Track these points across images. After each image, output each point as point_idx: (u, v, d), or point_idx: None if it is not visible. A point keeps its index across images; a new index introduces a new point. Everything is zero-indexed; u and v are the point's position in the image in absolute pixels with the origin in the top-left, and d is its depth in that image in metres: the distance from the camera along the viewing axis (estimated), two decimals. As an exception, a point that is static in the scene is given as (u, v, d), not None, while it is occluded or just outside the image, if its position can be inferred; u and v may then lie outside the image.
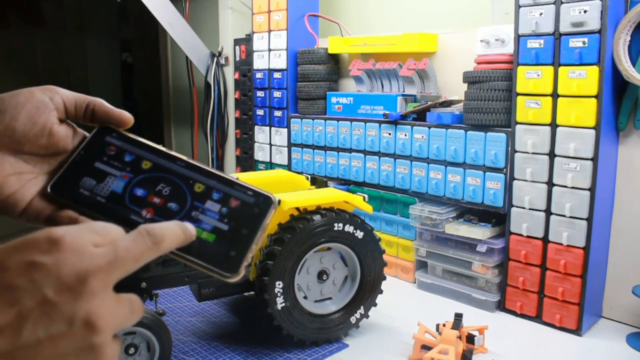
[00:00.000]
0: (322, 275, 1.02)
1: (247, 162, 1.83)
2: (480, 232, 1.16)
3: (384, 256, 1.05)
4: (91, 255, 0.35)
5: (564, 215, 1.05)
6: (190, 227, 0.42)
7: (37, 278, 0.33)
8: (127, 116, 0.49)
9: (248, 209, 0.43)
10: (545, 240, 1.08)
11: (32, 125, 0.45)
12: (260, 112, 1.72)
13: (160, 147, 0.47)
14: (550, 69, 1.04)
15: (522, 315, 1.13)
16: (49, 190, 0.44)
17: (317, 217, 0.97)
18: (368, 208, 1.06)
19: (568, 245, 1.05)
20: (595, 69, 0.98)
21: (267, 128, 1.70)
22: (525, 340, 1.05)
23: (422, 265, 1.32)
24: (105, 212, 0.43)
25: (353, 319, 1.04)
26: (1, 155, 0.44)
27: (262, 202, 0.43)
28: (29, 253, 0.34)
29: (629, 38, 0.99)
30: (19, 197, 0.45)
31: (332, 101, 1.49)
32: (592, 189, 1.01)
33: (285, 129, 1.63)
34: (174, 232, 0.40)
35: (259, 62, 1.69)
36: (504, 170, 1.14)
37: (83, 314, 0.33)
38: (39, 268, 0.33)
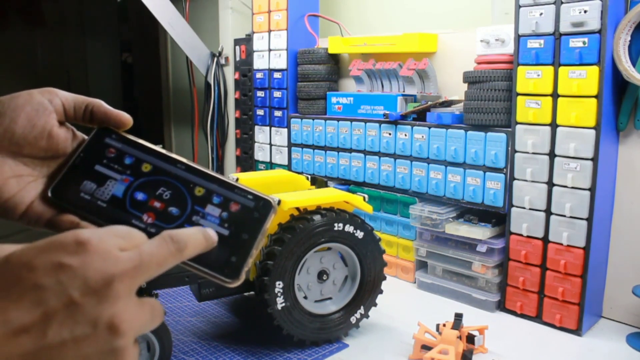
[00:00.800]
0: (322, 275, 1.02)
1: (247, 162, 1.83)
2: (480, 232, 1.16)
3: (384, 256, 1.05)
4: (117, 259, 0.35)
5: (564, 215, 1.05)
6: (212, 234, 0.42)
7: (63, 279, 0.33)
8: (126, 117, 0.49)
9: (248, 213, 0.43)
10: (545, 240, 1.08)
11: (32, 128, 0.45)
12: (260, 112, 1.72)
13: (159, 148, 0.46)
14: (551, 69, 1.04)
15: (522, 315, 1.13)
16: (49, 194, 0.44)
17: (317, 217, 0.97)
18: (368, 208, 1.06)
19: (568, 245, 1.05)
20: (595, 69, 0.98)
21: (267, 128, 1.70)
22: (525, 340, 1.05)
23: (422, 265, 1.32)
24: (107, 217, 0.43)
25: (353, 319, 1.04)
26: (0, 158, 0.44)
27: (262, 207, 0.43)
28: (56, 254, 0.34)
29: (629, 38, 0.99)
30: (19, 200, 0.45)
31: (332, 101, 1.49)
32: (592, 189, 1.01)
33: (285, 129, 1.63)
34: (197, 239, 0.41)
35: (259, 62, 1.69)
36: (504, 170, 1.14)
37: (107, 317, 0.34)
38: (66, 269, 0.34)
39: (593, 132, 1.00)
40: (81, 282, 0.33)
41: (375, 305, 1.06)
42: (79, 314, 0.33)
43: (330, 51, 1.53)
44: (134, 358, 0.36)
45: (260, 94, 1.71)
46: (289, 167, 1.63)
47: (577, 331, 1.06)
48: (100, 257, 0.35)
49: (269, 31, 1.63)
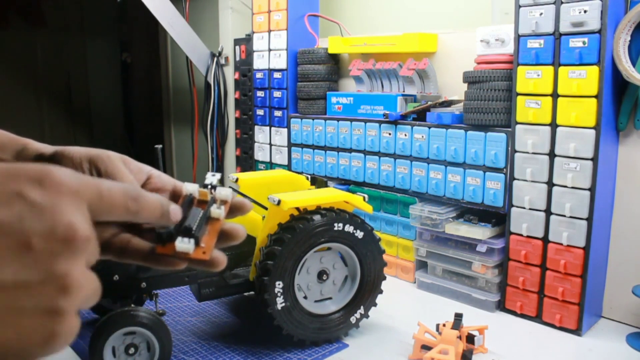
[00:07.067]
0: (322, 275, 1.02)
1: (247, 162, 1.83)
2: (480, 232, 1.16)
3: (384, 256, 1.05)
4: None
5: (564, 215, 1.05)
6: (172, 208, 0.41)
7: (25, 216, 0.29)
8: None
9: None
10: (545, 240, 1.08)
11: None
12: (260, 112, 1.72)
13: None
14: (550, 69, 1.04)
15: (522, 315, 1.13)
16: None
17: (317, 217, 0.97)
18: (368, 208, 1.06)
19: (568, 245, 1.05)
20: (595, 69, 0.98)
21: (267, 128, 1.70)
22: (525, 340, 1.05)
23: (422, 265, 1.32)
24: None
25: (353, 319, 1.04)
26: None
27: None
28: (24, 185, 0.30)
29: (629, 38, 0.99)
30: None
31: (332, 101, 1.49)
32: (592, 189, 1.01)
33: (285, 129, 1.63)
34: (154, 201, 0.40)
35: (259, 62, 1.69)
36: (504, 170, 1.14)
37: (61, 272, 0.30)
38: (32, 207, 0.30)
39: (593, 132, 1.00)
40: (46, 226, 0.30)
41: (375, 305, 1.06)
42: (31, 259, 0.29)
43: (330, 51, 1.53)
44: (73, 329, 0.31)
45: (260, 94, 1.71)
46: (289, 167, 1.63)
47: (577, 331, 1.06)
48: (73, 205, 0.32)
49: (269, 31, 1.63)
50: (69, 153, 0.48)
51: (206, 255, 0.43)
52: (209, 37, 1.98)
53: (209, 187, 0.46)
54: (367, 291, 1.04)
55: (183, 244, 0.42)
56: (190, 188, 0.45)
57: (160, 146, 0.99)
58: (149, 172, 0.50)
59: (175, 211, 0.42)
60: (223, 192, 0.46)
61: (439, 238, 1.25)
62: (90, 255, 0.33)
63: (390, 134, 1.33)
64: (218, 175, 0.47)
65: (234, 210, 0.46)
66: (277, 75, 1.63)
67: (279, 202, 0.95)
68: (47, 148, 0.50)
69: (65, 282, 0.30)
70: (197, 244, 0.42)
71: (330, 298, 1.04)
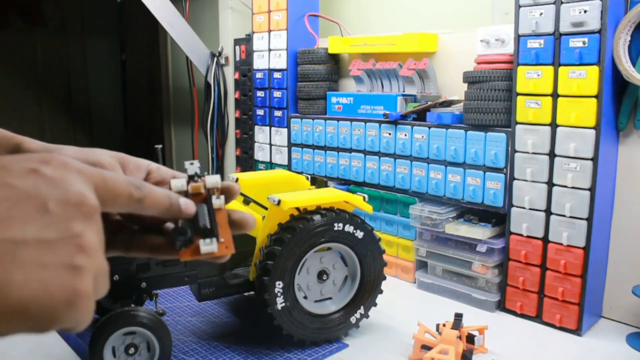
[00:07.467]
0: (322, 275, 1.02)
1: (247, 162, 1.83)
2: (480, 232, 1.16)
3: (384, 256, 1.05)
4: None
5: (564, 215, 1.05)
6: (183, 202, 0.42)
7: (41, 185, 0.33)
8: None
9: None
10: (545, 240, 1.08)
11: None
12: (260, 112, 1.72)
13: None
14: (550, 69, 1.04)
15: (522, 315, 1.13)
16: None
17: (317, 217, 0.97)
18: (368, 208, 1.06)
19: (568, 245, 1.05)
20: (595, 69, 0.98)
21: (267, 128, 1.70)
22: (525, 340, 1.05)
23: (422, 265, 1.32)
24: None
25: (353, 319, 1.04)
26: None
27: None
28: (37, 164, 0.34)
29: (629, 38, 0.99)
30: None
31: (332, 101, 1.49)
32: (592, 189, 1.01)
33: (285, 129, 1.63)
34: (160, 195, 0.40)
35: (259, 62, 1.69)
36: (504, 170, 1.14)
37: (77, 231, 0.33)
38: (46, 179, 0.33)
39: (593, 132, 1.00)
40: (60, 193, 0.33)
41: (375, 305, 1.06)
42: (49, 220, 0.32)
43: (330, 51, 1.53)
44: (90, 295, 0.33)
45: (260, 94, 1.71)
46: (289, 167, 1.63)
47: (577, 331, 1.06)
48: (81, 180, 0.35)
49: (269, 31, 1.63)
50: None
51: (230, 249, 0.43)
52: (209, 37, 1.98)
53: (196, 177, 0.45)
54: (367, 291, 1.04)
55: (207, 246, 0.42)
56: (178, 184, 0.44)
57: (160, 146, 0.99)
58: (148, 166, 0.50)
59: (188, 204, 0.42)
60: (213, 180, 0.45)
61: (439, 238, 1.25)
62: (99, 228, 0.35)
63: (390, 134, 1.33)
64: (197, 163, 0.46)
65: (226, 195, 0.46)
66: (277, 75, 1.63)
67: (279, 202, 0.95)
68: (42, 148, 0.50)
69: (80, 242, 0.33)
70: (217, 240, 0.43)
71: (330, 298, 1.04)
